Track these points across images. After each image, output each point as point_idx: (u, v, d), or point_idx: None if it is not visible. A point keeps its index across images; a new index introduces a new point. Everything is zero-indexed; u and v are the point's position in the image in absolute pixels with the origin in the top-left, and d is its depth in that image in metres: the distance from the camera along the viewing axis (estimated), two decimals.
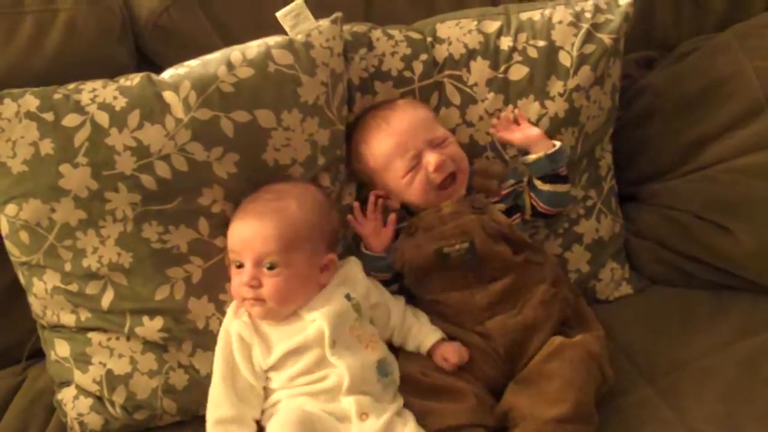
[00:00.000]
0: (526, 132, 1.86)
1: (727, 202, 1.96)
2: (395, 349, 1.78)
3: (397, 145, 1.79)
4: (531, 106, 1.91)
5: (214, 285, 1.74)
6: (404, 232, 1.82)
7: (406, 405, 1.68)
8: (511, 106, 1.89)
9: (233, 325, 1.68)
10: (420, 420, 1.64)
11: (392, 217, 1.82)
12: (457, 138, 1.90)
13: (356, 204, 1.83)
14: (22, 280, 1.75)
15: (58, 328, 1.75)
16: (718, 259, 1.98)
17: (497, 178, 1.86)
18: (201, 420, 1.72)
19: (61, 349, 1.75)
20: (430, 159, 1.77)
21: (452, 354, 1.73)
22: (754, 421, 1.65)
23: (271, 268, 1.64)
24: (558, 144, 1.84)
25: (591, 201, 2.00)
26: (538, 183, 1.84)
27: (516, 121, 1.88)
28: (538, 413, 1.61)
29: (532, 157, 1.84)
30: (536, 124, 1.89)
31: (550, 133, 1.89)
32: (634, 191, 2.12)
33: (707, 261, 2.00)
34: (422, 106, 1.88)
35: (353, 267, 1.78)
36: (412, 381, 1.71)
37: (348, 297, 1.70)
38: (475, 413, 1.65)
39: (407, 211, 1.85)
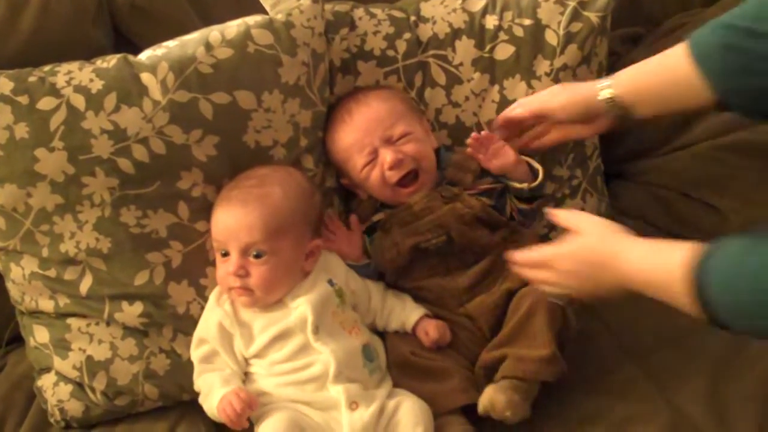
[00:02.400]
0: (502, 160, 1.79)
1: (714, 180, 1.95)
2: (381, 334, 1.77)
3: (355, 140, 1.78)
4: (517, 86, 1.89)
5: (194, 270, 1.72)
6: (380, 229, 1.80)
7: (397, 387, 1.67)
8: (484, 132, 1.80)
9: (214, 314, 1.67)
10: None
11: (353, 218, 1.82)
12: (443, 118, 1.89)
13: (327, 215, 1.82)
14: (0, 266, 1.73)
15: (36, 314, 1.73)
16: (705, 237, 1.92)
17: (472, 173, 1.82)
18: (183, 405, 1.73)
19: (40, 335, 1.72)
20: (386, 157, 1.75)
21: (433, 329, 1.72)
22: (740, 400, 1.63)
23: (257, 256, 1.62)
24: (539, 176, 1.80)
25: (576, 180, 1.98)
26: (515, 201, 1.82)
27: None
28: (520, 355, 1.61)
29: (513, 184, 1.80)
30: None
31: None
32: (619, 169, 2.11)
33: (694, 239, 1.96)
34: (393, 98, 1.83)
35: (333, 253, 1.77)
36: (401, 362, 1.71)
37: (330, 283, 1.69)
38: (465, 393, 1.64)
39: (383, 204, 1.84)
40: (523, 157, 1.81)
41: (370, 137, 1.77)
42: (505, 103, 1.89)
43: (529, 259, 1.60)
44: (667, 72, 1.61)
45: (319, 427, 1.57)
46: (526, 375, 1.60)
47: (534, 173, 1.80)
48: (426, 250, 1.75)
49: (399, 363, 1.71)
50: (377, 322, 1.78)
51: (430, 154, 1.81)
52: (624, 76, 1.69)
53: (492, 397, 1.59)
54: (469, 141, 1.79)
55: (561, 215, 1.61)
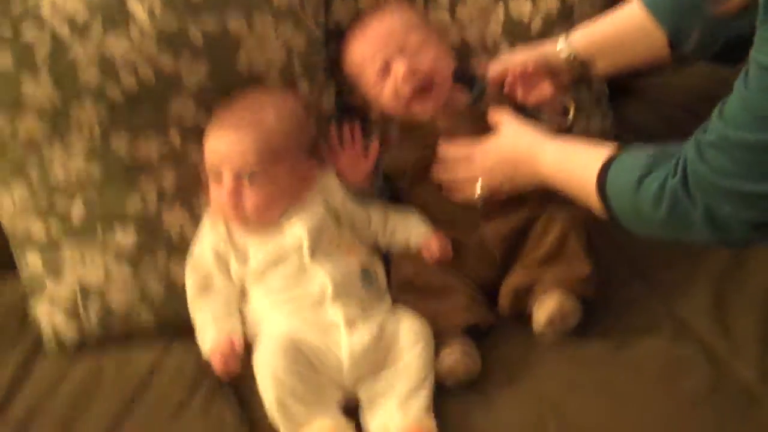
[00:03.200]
0: (539, 93, 1.74)
1: (719, 96, 1.89)
2: (384, 255, 1.76)
3: (368, 52, 1.75)
4: (523, 6, 1.85)
5: (187, 194, 1.71)
6: (396, 137, 1.78)
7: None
8: (520, 68, 1.74)
9: (209, 238, 1.67)
10: None
11: (374, 145, 1.77)
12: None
13: (331, 129, 1.77)
14: None
15: (29, 241, 1.71)
16: None
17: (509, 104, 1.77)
18: (177, 330, 1.72)
19: (33, 261, 1.72)
20: (399, 68, 1.71)
21: (436, 245, 1.71)
22: (742, 312, 1.65)
23: (251, 180, 1.61)
24: (570, 114, 1.76)
25: (581, 98, 1.93)
26: None
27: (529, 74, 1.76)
28: (562, 276, 1.62)
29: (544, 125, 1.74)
30: (529, 23, 1.84)
31: (543, 33, 1.84)
32: (625, 85, 2.07)
33: None
34: (409, 11, 1.80)
35: (330, 175, 1.75)
36: (404, 282, 1.70)
37: (326, 204, 1.69)
38: (468, 312, 1.65)
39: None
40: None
41: (383, 48, 1.73)
42: (510, 23, 1.86)
43: (454, 152, 1.69)
44: (621, 23, 1.67)
45: (318, 349, 1.56)
46: (573, 293, 1.61)
47: (565, 111, 1.77)
48: None
49: (402, 282, 1.71)
50: (380, 241, 1.77)
51: (445, 68, 1.77)
52: (580, 33, 1.71)
53: (561, 301, 1.59)
54: (507, 80, 1.75)
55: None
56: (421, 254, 1.72)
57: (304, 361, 1.53)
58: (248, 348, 1.61)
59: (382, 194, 1.79)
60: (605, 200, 1.43)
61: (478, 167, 1.66)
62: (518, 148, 1.62)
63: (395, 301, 1.69)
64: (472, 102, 1.78)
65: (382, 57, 1.73)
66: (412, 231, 1.75)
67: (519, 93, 1.74)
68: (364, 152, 1.77)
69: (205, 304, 1.65)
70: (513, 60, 1.77)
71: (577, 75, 1.73)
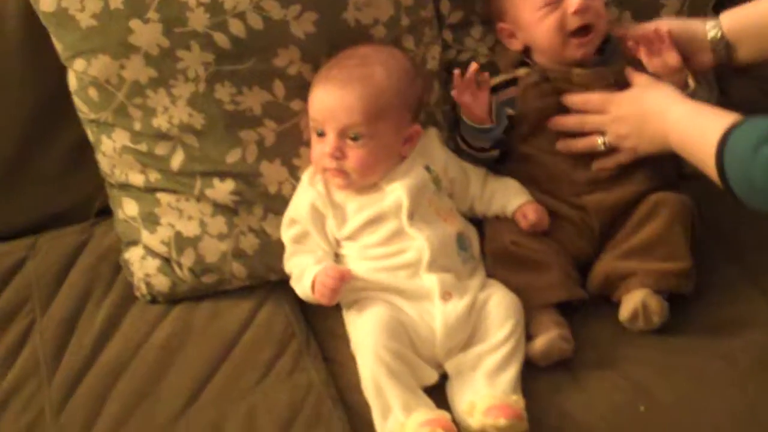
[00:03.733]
0: (666, 60, 1.67)
1: None
2: (478, 223, 1.73)
3: None
4: None
5: (288, 149, 1.68)
6: (527, 79, 1.73)
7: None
8: (656, 30, 1.67)
9: (307, 194, 1.64)
10: None
11: (485, 75, 1.69)
12: None
13: (456, 72, 1.67)
14: (91, 138, 1.71)
15: (126, 187, 1.71)
16: None
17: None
18: (269, 285, 1.73)
19: (129, 208, 1.71)
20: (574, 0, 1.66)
21: (532, 212, 1.67)
22: None
23: (355, 139, 1.58)
24: (691, 87, 1.69)
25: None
26: None
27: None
28: (662, 269, 1.60)
29: None
30: None
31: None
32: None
33: None
34: None
35: (433, 138, 1.71)
36: (500, 251, 1.67)
37: (428, 168, 1.65)
38: (562, 288, 1.62)
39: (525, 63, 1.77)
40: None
41: None
42: None
43: (588, 99, 1.68)
44: None
45: (414, 323, 1.55)
46: (668, 288, 1.59)
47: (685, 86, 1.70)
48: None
49: (497, 252, 1.67)
50: (476, 207, 1.73)
51: (606, 18, 1.73)
52: (729, 15, 1.65)
53: (646, 300, 1.56)
54: (638, 34, 1.69)
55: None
56: (517, 222, 1.69)
57: (403, 338, 1.52)
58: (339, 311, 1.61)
59: (499, 127, 1.71)
60: (722, 167, 1.40)
61: (608, 115, 1.64)
62: (650, 102, 1.61)
63: (488, 270, 1.66)
64: (605, 62, 1.73)
65: None
66: (510, 198, 1.70)
67: (642, 56, 1.68)
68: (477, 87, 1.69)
69: (303, 252, 1.64)
70: (651, 26, 1.71)
71: (719, 58, 1.66)
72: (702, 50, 1.67)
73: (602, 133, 1.66)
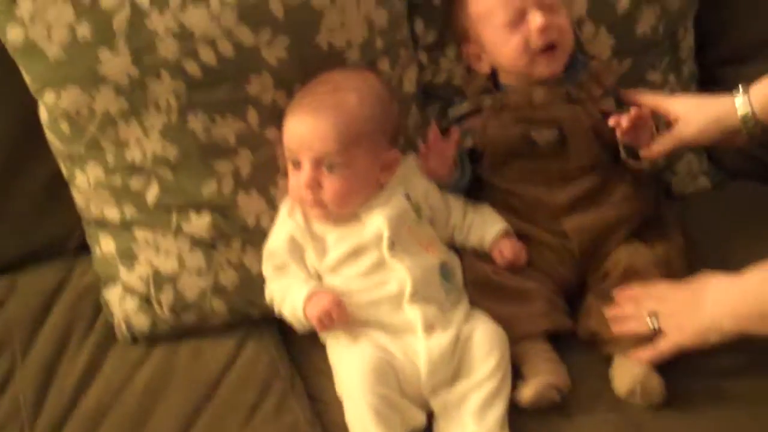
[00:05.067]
0: (639, 137, 1.64)
1: None
2: (459, 252, 1.69)
3: None
4: None
5: (264, 179, 1.65)
6: (489, 109, 1.71)
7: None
8: (635, 109, 1.62)
9: (286, 226, 1.61)
10: None
11: (455, 134, 1.69)
12: None
13: (421, 145, 1.70)
14: (65, 172, 1.69)
15: (102, 223, 1.68)
16: None
17: (603, 89, 1.71)
18: (251, 322, 1.69)
19: (106, 244, 1.68)
20: (536, 18, 1.64)
21: (508, 249, 1.65)
22: None
23: (331, 168, 1.55)
24: (642, 164, 1.68)
25: (669, 87, 1.88)
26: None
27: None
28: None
29: (623, 154, 1.68)
30: (616, 1, 1.77)
31: (631, 13, 1.79)
32: (715, 75, 1.97)
33: None
34: None
35: (412, 165, 1.68)
36: (481, 281, 1.64)
37: (407, 197, 1.61)
38: (547, 318, 1.59)
39: (495, 86, 1.75)
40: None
41: None
42: (596, 0, 1.79)
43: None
44: None
45: (398, 361, 1.51)
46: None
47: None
48: (534, 145, 1.67)
49: (478, 282, 1.64)
50: (456, 237, 1.70)
51: (572, 35, 1.72)
52: (760, 87, 1.57)
53: (645, 380, 1.51)
54: (622, 126, 1.62)
55: None
56: (494, 259, 1.66)
57: (390, 381, 1.48)
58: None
59: (463, 178, 1.72)
60: None
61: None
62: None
63: (470, 299, 1.63)
64: (569, 78, 1.71)
65: (519, 3, 1.66)
66: (487, 229, 1.67)
67: (623, 128, 1.62)
68: (445, 141, 1.69)
69: (285, 277, 1.60)
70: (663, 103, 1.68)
71: (756, 138, 1.60)
72: (733, 131, 1.60)
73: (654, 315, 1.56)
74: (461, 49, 1.77)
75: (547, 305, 1.60)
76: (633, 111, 1.60)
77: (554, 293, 1.64)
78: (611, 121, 1.61)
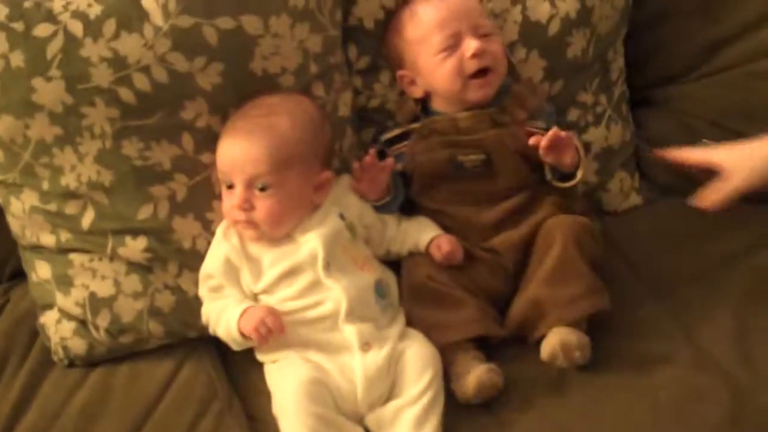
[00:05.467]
0: (558, 158, 1.68)
1: (744, 108, 1.89)
2: (392, 267, 1.72)
3: (442, 18, 1.71)
4: (541, 6, 1.81)
5: (200, 203, 1.66)
6: (417, 133, 1.74)
7: (408, 315, 1.64)
8: (555, 130, 1.66)
9: (221, 248, 1.62)
10: (423, 334, 1.60)
11: (389, 161, 1.71)
12: None
13: (355, 165, 1.72)
14: (0, 199, 1.68)
15: (38, 248, 1.68)
16: None
17: (527, 111, 1.74)
18: (189, 343, 1.70)
19: (42, 270, 1.68)
20: (471, 44, 1.68)
21: (446, 242, 1.67)
22: (765, 338, 1.60)
23: (263, 189, 1.56)
24: (574, 181, 1.71)
25: (601, 108, 1.91)
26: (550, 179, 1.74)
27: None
28: (570, 295, 1.58)
29: (546, 169, 1.72)
30: (546, 25, 1.79)
31: (561, 36, 1.81)
32: (646, 96, 2.02)
33: None
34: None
35: (346, 185, 1.70)
36: (416, 286, 1.66)
37: (341, 217, 1.63)
38: (479, 324, 1.61)
39: (425, 111, 1.77)
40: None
41: (458, 21, 1.70)
42: (527, 24, 1.81)
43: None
44: None
45: (334, 379, 1.53)
46: (584, 313, 1.59)
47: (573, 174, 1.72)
48: (461, 168, 1.70)
49: (413, 287, 1.67)
50: (392, 249, 1.73)
51: (505, 62, 1.75)
52: None
53: (564, 337, 1.55)
54: (542, 145, 1.65)
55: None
56: (432, 256, 1.68)
57: (326, 399, 1.50)
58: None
59: (396, 200, 1.75)
60: None
61: None
62: None
63: (404, 306, 1.65)
64: (494, 103, 1.74)
65: (456, 29, 1.70)
66: (423, 232, 1.71)
67: (542, 147, 1.66)
68: (380, 165, 1.71)
69: (220, 299, 1.61)
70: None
71: None
72: None
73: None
74: (395, 74, 1.79)
75: (479, 312, 1.62)
76: (552, 131, 1.64)
77: (486, 302, 1.66)
78: (531, 141, 1.66)
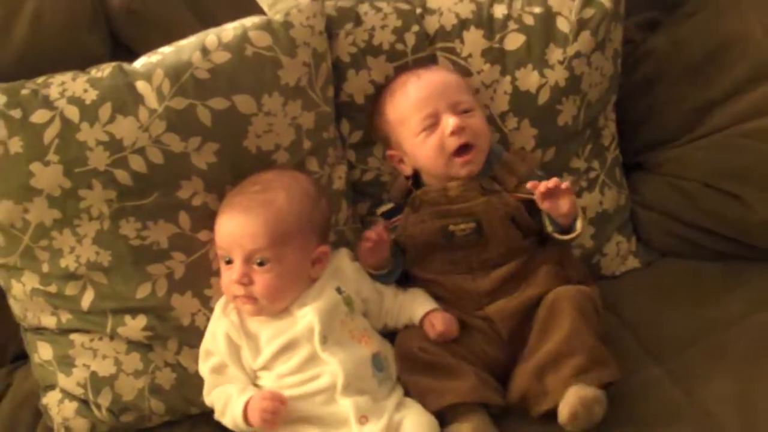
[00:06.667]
0: (554, 206, 1.68)
1: (737, 169, 1.89)
2: (391, 338, 1.72)
3: (419, 100, 1.73)
4: (530, 76, 1.83)
5: (198, 280, 1.68)
6: (408, 206, 1.75)
7: (404, 384, 1.64)
8: (555, 182, 1.67)
9: (221, 325, 1.63)
10: (419, 400, 1.60)
11: (387, 234, 1.73)
12: None
13: (371, 234, 1.71)
14: (1, 282, 1.70)
15: (39, 330, 1.70)
16: (729, 228, 1.91)
17: (517, 178, 1.75)
18: (191, 419, 1.70)
19: (44, 351, 1.69)
20: (449, 121, 1.70)
21: (439, 321, 1.67)
22: None
23: (261, 264, 1.58)
24: (574, 234, 1.71)
25: (594, 173, 1.92)
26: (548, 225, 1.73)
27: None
28: (555, 375, 1.57)
29: (546, 222, 1.72)
30: (536, 94, 1.82)
31: (552, 104, 1.83)
32: (639, 160, 2.03)
33: (718, 231, 1.92)
34: (457, 73, 1.81)
35: (343, 259, 1.72)
36: (409, 358, 1.65)
37: (339, 290, 1.64)
38: (477, 391, 1.59)
39: (416, 184, 1.79)
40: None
41: (435, 100, 1.73)
42: (517, 94, 1.83)
43: None
44: None
45: None
46: (592, 384, 1.55)
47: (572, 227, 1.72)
48: (452, 237, 1.71)
49: (405, 356, 1.66)
50: (389, 321, 1.73)
51: (487, 135, 1.77)
52: None
53: (581, 395, 1.52)
54: (539, 190, 1.67)
55: None
56: (426, 331, 1.68)
57: None
58: None
59: (397, 270, 1.76)
60: None
61: None
62: None
63: (400, 378, 1.65)
64: (483, 172, 1.75)
65: (433, 108, 1.72)
66: (417, 306, 1.71)
67: (539, 192, 1.67)
68: (380, 239, 1.72)
69: (224, 383, 1.61)
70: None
71: None
72: None
73: None
74: (385, 152, 1.82)
75: (477, 381, 1.61)
76: (553, 180, 1.66)
77: (484, 371, 1.65)
78: (529, 185, 1.67)
